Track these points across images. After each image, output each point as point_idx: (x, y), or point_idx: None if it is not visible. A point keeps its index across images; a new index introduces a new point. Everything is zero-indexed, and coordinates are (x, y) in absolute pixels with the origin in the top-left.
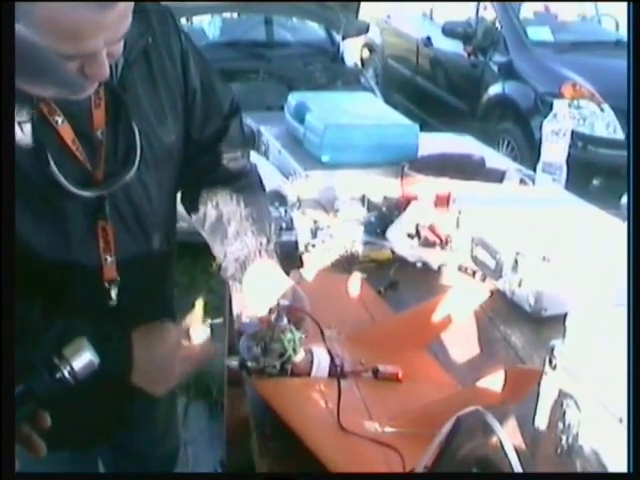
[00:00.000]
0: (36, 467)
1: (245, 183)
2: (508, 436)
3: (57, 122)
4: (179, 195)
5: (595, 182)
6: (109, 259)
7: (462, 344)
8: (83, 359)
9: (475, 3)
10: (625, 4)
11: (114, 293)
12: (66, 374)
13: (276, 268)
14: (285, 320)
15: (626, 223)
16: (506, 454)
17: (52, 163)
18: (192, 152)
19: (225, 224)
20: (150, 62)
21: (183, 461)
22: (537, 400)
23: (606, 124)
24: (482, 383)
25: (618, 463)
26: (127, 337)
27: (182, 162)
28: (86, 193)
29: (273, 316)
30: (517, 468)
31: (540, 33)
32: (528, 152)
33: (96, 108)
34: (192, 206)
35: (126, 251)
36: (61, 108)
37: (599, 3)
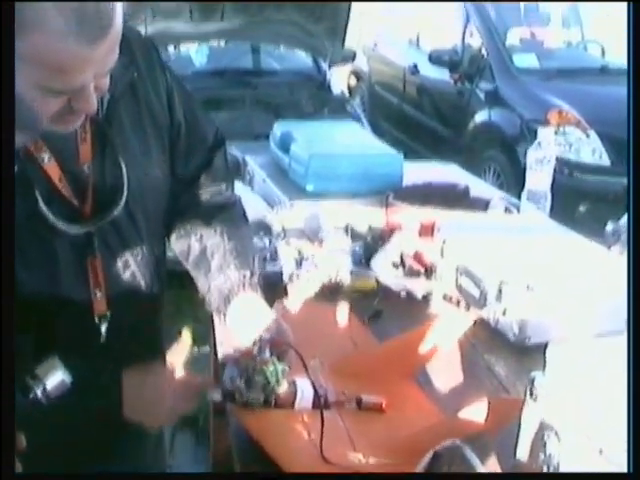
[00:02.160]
0: None
1: (229, 216)
2: (487, 470)
3: (43, 160)
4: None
5: (581, 208)
6: (99, 294)
7: (446, 373)
8: (56, 378)
9: (461, 31)
10: (608, 28)
11: (104, 328)
12: (39, 394)
13: (259, 301)
14: (268, 352)
15: (610, 250)
16: None
17: (40, 201)
18: (177, 185)
19: (209, 257)
20: (136, 96)
21: None
22: (518, 431)
23: (592, 150)
24: (465, 413)
25: None
26: (117, 373)
27: (168, 195)
28: (74, 230)
29: (256, 348)
30: None
31: (526, 60)
32: (514, 179)
33: (82, 142)
34: (176, 239)
35: (116, 286)
36: (48, 144)
37: (585, 29)
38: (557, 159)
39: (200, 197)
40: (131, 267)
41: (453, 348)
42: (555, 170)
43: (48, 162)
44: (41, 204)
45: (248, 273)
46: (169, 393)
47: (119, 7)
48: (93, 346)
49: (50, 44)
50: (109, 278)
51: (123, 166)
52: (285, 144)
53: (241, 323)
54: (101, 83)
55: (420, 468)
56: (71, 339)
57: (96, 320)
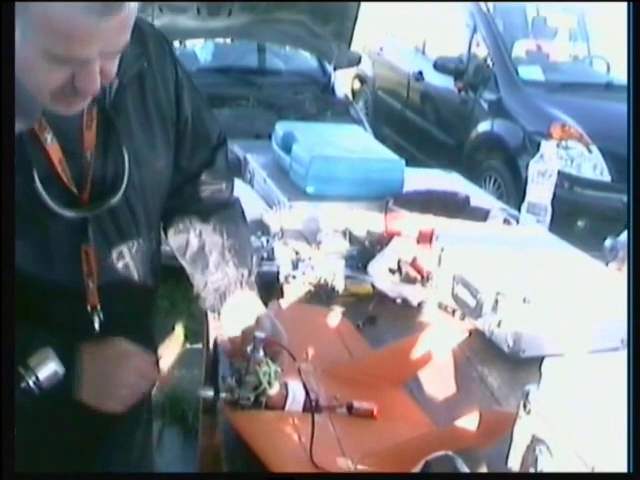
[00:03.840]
0: None
1: (228, 214)
2: None
3: (46, 140)
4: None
5: (580, 223)
6: (91, 285)
7: (438, 383)
8: (48, 369)
9: (467, 40)
10: (615, 44)
11: (96, 318)
12: (31, 384)
13: (256, 300)
14: (261, 353)
15: (608, 266)
16: None
17: (37, 180)
18: (178, 180)
19: (207, 254)
20: (144, 86)
21: None
22: (510, 444)
23: (593, 166)
24: (456, 425)
25: None
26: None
27: (169, 189)
28: (69, 213)
29: (249, 348)
30: None
31: (531, 72)
32: (514, 190)
33: (87, 129)
34: (174, 234)
35: (108, 276)
36: (52, 126)
37: (591, 44)
38: (558, 173)
39: (201, 194)
40: (125, 258)
41: (446, 358)
42: (555, 184)
43: (50, 143)
44: (37, 183)
45: (246, 271)
46: (125, 369)
47: None
48: (86, 334)
49: (60, 11)
50: (102, 268)
51: (126, 156)
52: (287, 144)
53: (236, 321)
54: (108, 66)
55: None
56: (64, 326)
57: (89, 310)
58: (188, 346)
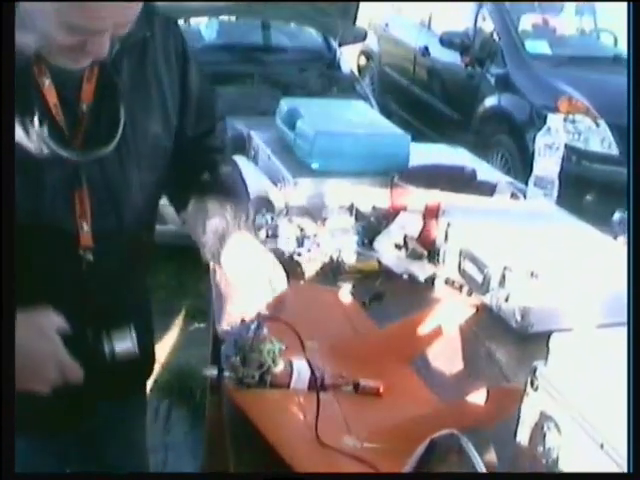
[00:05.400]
0: None
1: (229, 178)
2: (484, 460)
3: (44, 84)
4: (166, 197)
5: (588, 197)
6: (85, 227)
7: (446, 359)
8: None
9: (473, 14)
10: (622, 18)
11: (88, 259)
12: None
13: (254, 241)
14: (265, 330)
15: (616, 240)
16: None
17: (36, 117)
18: (182, 149)
19: (206, 204)
20: (145, 55)
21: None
22: (518, 421)
23: (601, 139)
24: (463, 402)
25: None
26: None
27: (172, 159)
28: (61, 151)
29: (253, 326)
30: None
31: (538, 46)
32: (521, 165)
33: (88, 82)
34: (179, 197)
35: (100, 226)
36: (51, 73)
37: (598, 18)
38: (565, 147)
39: (205, 163)
40: (115, 212)
41: (454, 334)
42: (563, 158)
43: (48, 87)
44: (35, 120)
45: (244, 216)
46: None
47: None
48: (76, 281)
49: None
50: (95, 213)
51: (122, 111)
52: (291, 120)
53: (236, 263)
54: (118, 32)
55: (416, 456)
56: (54, 269)
57: (81, 253)
58: (196, 325)
